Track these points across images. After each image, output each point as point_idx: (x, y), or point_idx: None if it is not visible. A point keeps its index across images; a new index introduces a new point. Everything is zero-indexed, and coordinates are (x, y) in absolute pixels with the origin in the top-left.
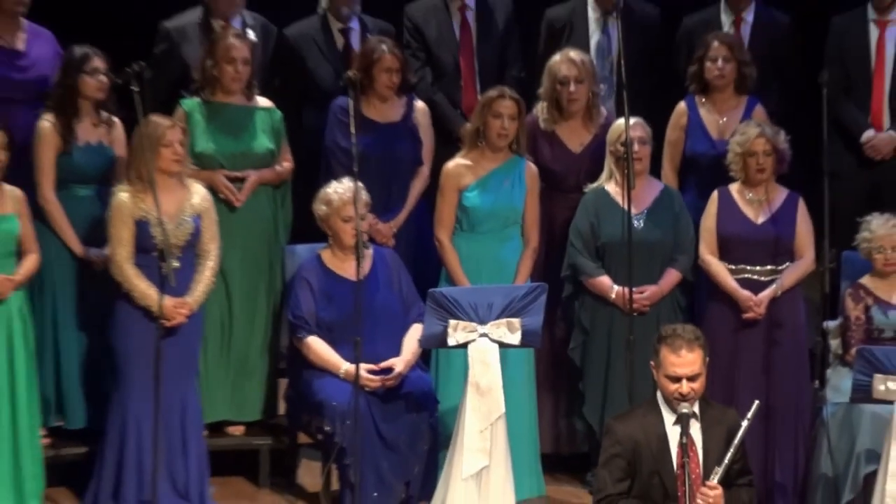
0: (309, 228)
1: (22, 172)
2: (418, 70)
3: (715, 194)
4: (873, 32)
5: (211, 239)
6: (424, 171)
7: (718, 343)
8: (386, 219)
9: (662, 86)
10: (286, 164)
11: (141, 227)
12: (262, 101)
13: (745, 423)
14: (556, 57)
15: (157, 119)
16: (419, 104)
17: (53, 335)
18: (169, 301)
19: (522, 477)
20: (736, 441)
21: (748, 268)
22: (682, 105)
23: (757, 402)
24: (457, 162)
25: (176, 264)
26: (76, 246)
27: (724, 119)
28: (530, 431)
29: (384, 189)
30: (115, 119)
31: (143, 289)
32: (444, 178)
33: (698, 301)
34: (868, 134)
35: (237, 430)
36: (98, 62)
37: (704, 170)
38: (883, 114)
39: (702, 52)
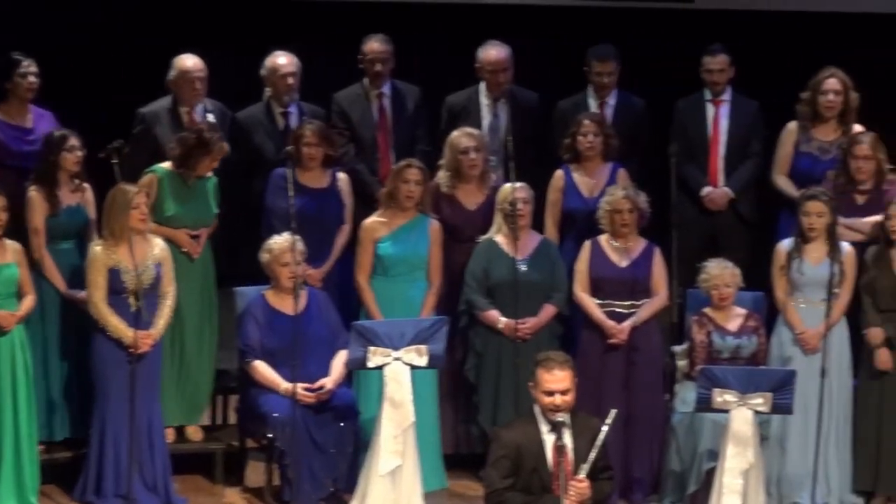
0: (255, 273)
1: (18, 228)
2: (344, 145)
3: (588, 243)
4: (710, 110)
5: (169, 282)
6: (346, 227)
7: (589, 363)
8: (316, 265)
9: (541, 156)
10: (215, 221)
11: (113, 274)
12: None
13: (604, 428)
14: (456, 132)
15: (127, 187)
16: (341, 174)
17: (44, 362)
18: (137, 333)
19: (428, 473)
20: (597, 442)
21: (613, 303)
22: (559, 171)
23: (614, 410)
24: (373, 219)
25: (141, 303)
26: (64, 289)
27: (594, 181)
28: (434, 436)
29: (315, 242)
30: (86, 185)
31: (116, 324)
32: (362, 232)
33: (572, 330)
34: (706, 189)
35: (195, 434)
36: (74, 141)
37: (580, 223)
38: (718, 173)
39: (574, 128)
